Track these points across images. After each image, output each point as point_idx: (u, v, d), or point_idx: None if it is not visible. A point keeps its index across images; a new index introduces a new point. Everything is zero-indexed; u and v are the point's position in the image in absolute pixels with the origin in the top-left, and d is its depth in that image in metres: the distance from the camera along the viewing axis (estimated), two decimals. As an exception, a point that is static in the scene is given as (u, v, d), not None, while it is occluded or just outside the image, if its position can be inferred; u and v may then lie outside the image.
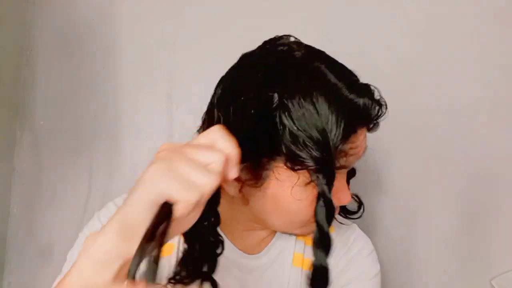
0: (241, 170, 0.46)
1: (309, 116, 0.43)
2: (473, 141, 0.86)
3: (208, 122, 0.52)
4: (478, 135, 0.86)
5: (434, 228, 0.87)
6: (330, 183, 0.44)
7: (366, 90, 0.48)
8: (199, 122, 0.57)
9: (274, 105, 0.44)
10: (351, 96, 0.45)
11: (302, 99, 0.44)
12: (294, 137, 0.44)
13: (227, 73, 0.54)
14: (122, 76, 0.95)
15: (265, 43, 0.54)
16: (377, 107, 0.47)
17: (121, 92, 0.95)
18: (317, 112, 0.44)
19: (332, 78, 0.46)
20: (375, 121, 0.49)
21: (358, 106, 0.46)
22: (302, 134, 0.43)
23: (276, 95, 0.44)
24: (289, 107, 0.44)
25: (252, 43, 0.91)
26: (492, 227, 0.86)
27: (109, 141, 0.94)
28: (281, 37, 0.53)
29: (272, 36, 0.54)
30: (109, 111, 0.94)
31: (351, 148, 0.46)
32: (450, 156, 0.86)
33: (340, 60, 0.50)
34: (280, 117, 0.44)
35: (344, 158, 0.46)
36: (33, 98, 0.97)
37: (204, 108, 0.55)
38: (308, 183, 0.46)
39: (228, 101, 0.48)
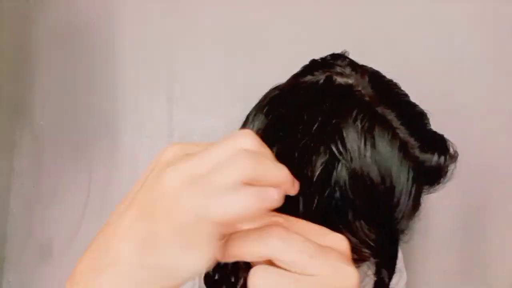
0: None
1: (369, 179, 0.35)
2: (474, 140, 0.86)
3: None
4: (478, 134, 0.86)
5: (434, 228, 0.87)
6: (391, 274, 0.37)
7: (440, 145, 0.40)
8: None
9: (329, 158, 0.36)
10: (424, 157, 0.38)
11: (363, 154, 0.35)
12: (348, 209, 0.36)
13: (269, 100, 0.43)
14: (122, 76, 0.95)
15: (317, 65, 0.44)
16: (449, 167, 0.40)
17: (121, 92, 0.94)
18: (381, 177, 0.36)
19: (402, 131, 0.38)
20: (443, 182, 0.42)
21: (430, 168, 0.39)
22: (356, 206, 0.35)
23: (334, 148, 0.36)
24: (344, 162, 0.35)
25: (253, 43, 0.91)
26: (492, 226, 0.86)
27: (109, 141, 0.94)
28: (337, 57, 0.44)
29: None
30: (109, 111, 0.94)
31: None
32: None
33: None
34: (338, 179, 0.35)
35: None
36: (33, 98, 0.97)
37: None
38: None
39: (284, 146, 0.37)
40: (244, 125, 0.42)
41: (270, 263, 0.23)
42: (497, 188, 0.86)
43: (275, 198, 0.22)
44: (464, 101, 0.86)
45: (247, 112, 0.52)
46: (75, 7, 0.97)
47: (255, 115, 0.41)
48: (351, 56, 0.51)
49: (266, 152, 0.24)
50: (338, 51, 0.51)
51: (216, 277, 0.39)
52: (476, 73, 0.87)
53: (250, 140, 0.24)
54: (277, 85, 0.45)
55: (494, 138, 0.86)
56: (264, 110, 0.41)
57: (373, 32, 0.88)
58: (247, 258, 0.24)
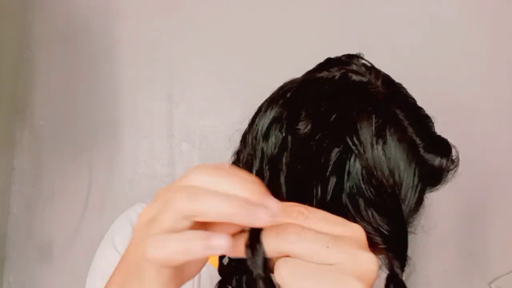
0: None
1: (380, 172, 0.37)
2: (474, 140, 0.86)
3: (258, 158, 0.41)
4: (478, 134, 0.86)
5: (434, 228, 0.87)
6: (403, 264, 0.36)
7: (444, 147, 0.42)
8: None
9: (342, 150, 0.37)
10: (428, 156, 0.40)
11: (375, 148, 0.37)
12: (356, 199, 0.37)
13: (282, 96, 0.43)
14: (122, 75, 0.95)
15: (333, 62, 0.45)
16: (451, 170, 0.42)
17: (121, 92, 0.94)
18: (390, 171, 0.37)
19: (409, 130, 0.39)
20: (444, 183, 0.43)
21: (433, 168, 0.40)
22: (367, 196, 0.36)
23: (348, 139, 0.37)
24: (361, 153, 0.37)
25: (252, 42, 0.91)
26: (492, 226, 0.86)
27: (109, 140, 0.94)
28: (352, 57, 0.45)
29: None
30: (109, 111, 0.94)
31: None
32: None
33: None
34: (349, 165, 0.37)
35: None
36: (33, 97, 0.97)
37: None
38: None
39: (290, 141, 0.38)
40: (256, 116, 0.43)
41: None
42: (497, 188, 0.86)
43: (221, 244, 0.23)
44: (464, 101, 0.86)
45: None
46: (75, 6, 0.97)
47: (268, 106, 0.42)
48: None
49: (215, 185, 0.24)
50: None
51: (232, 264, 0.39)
52: (476, 73, 0.87)
53: (198, 176, 0.25)
54: (292, 79, 0.46)
55: (494, 138, 0.86)
56: (280, 102, 0.41)
57: (373, 32, 0.88)
58: (267, 255, 0.25)
